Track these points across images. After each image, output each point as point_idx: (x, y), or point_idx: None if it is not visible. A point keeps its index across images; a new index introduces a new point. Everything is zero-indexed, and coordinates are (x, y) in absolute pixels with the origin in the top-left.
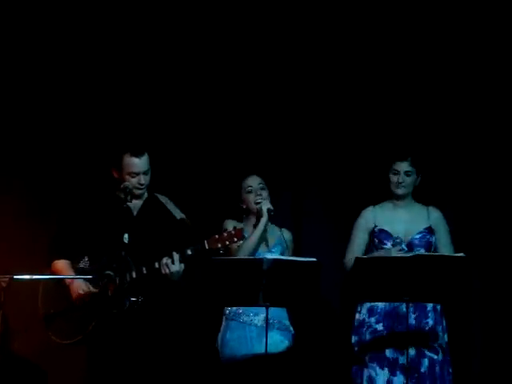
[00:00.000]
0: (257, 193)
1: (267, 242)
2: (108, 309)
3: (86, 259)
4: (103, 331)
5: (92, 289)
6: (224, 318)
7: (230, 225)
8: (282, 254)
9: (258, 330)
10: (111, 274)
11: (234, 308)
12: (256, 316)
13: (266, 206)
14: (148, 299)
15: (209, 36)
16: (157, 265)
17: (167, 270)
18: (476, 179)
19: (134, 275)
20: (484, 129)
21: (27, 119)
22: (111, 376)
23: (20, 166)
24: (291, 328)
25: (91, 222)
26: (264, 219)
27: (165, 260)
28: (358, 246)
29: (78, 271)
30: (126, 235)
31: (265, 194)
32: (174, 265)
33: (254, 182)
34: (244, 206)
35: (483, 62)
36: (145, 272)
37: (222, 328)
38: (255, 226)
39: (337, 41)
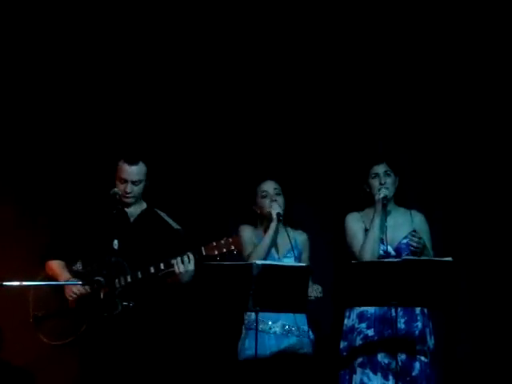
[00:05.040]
0: (272, 198)
1: (280, 249)
2: (99, 312)
3: (79, 264)
4: (94, 334)
5: (86, 290)
6: (243, 327)
7: (246, 230)
8: (297, 258)
9: (276, 337)
10: (101, 280)
11: (253, 317)
12: (274, 324)
13: (275, 210)
14: (140, 304)
15: (212, 40)
16: (152, 269)
17: (182, 268)
18: (464, 182)
19: (128, 279)
20: (473, 133)
21: (18, 124)
22: (103, 379)
23: (11, 171)
24: (310, 333)
25: (85, 227)
26: (273, 224)
27: (180, 258)
28: (363, 236)
29: (72, 273)
30: (115, 241)
31: (280, 200)
32: (189, 264)
33: (269, 187)
34: (258, 211)
35: (466, 62)
36: (140, 277)
37: (241, 336)
38: (265, 231)
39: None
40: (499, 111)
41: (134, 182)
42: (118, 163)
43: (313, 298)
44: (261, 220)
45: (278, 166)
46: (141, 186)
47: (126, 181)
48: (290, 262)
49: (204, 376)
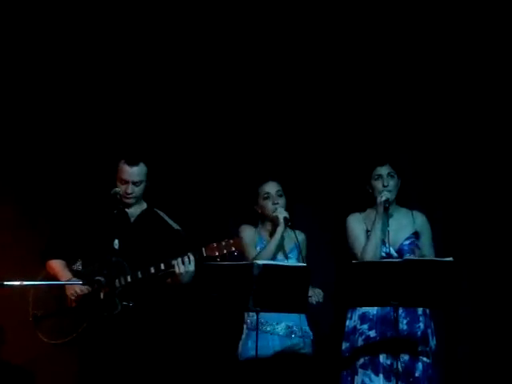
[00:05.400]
0: (274, 200)
1: (284, 250)
2: (99, 312)
3: (79, 263)
4: (94, 334)
5: (88, 290)
6: (245, 326)
7: (247, 230)
8: (298, 258)
9: (280, 338)
10: (101, 279)
11: (256, 318)
12: (278, 325)
13: (282, 214)
14: (140, 304)
15: (213, 40)
16: (153, 269)
17: (182, 269)
18: (464, 182)
19: (128, 279)
20: (473, 133)
21: (18, 124)
22: (102, 379)
23: (11, 171)
24: (310, 333)
25: (86, 226)
26: (280, 228)
27: (180, 258)
28: (365, 237)
29: (72, 272)
30: (116, 241)
31: (282, 201)
32: (190, 264)
33: (271, 188)
34: (259, 211)
35: (466, 62)
36: (140, 277)
37: (243, 337)
38: (271, 235)
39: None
40: (499, 111)
41: (134, 183)
42: (118, 164)
43: (313, 302)
44: (262, 220)
45: (279, 166)
46: (141, 186)
47: (126, 182)
48: (293, 262)
49: (204, 376)
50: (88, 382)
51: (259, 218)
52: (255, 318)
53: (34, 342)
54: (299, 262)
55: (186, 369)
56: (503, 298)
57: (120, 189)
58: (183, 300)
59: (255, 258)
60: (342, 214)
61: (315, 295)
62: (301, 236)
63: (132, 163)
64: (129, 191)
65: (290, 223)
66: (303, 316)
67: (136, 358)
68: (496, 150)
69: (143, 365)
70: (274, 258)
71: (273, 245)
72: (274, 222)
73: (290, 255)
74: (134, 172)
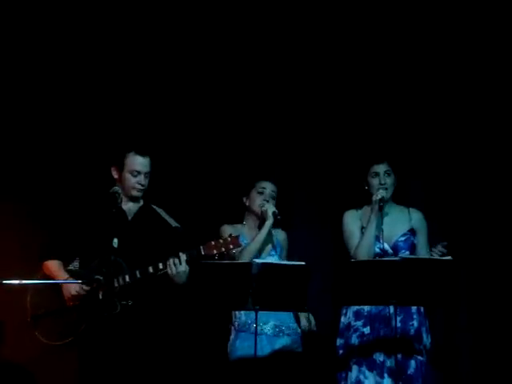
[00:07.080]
0: (265, 198)
1: (268, 248)
2: (98, 312)
3: (76, 263)
4: (94, 334)
5: (85, 290)
6: (233, 328)
7: (227, 230)
8: (280, 256)
9: (267, 338)
10: (100, 278)
11: (243, 319)
12: (265, 325)
13: (271, 209)
14: (139, 303)
15: (214, 39)
16: (151, 269)
17: (173, 270)
18: (462, 181)
19: (127, 279)
20: (471, 132)
21: (18, 123)
22: (101, 378)
23: (11, 171)
24: (299, 330)
25: (84, 225)
26: (269, 222)
27: (172, 260)
28: (360, 234)
29: (69, 273)
30: (115, 240)
31: (272, 203)
32: (180, 265)
33: (268, 186)
34: (247, 203)
35: (466, 62)
36: (138, 276)
37: (231, 338)
38: (259, 227)
39: (318, 52)
40: (499, 111)
41: (146, 174)
42: (125, 157)
43: (305, 330)
44: (247, 215)
45: (278, 164)
46: (149, 178)
47: (139, 173)
48: (274, 259)
49: (203, 375)
50: (88, 382)
51: (244, 212)
52: (243, 319)
53: (34, 342)
54: (279, 259)
55: (186, 368)
56: (501, 297)
57: (130, 182)
58: (182, 299)
59: (241, 252)
60: (341, 210)
61: (306, 325)
62: (282, 235)
63: (143, 153)
64: (143, 182)
65: (280, 217)
66: (290, 313)
67: (135, 358)
68: (494, 150)
69: (142, 364)
70: (259, 252)
71: (260, 238)
72: (258, 217)
73: (271, 252)
74: (146, 162)
